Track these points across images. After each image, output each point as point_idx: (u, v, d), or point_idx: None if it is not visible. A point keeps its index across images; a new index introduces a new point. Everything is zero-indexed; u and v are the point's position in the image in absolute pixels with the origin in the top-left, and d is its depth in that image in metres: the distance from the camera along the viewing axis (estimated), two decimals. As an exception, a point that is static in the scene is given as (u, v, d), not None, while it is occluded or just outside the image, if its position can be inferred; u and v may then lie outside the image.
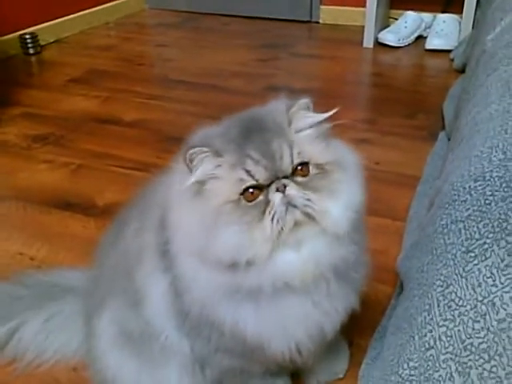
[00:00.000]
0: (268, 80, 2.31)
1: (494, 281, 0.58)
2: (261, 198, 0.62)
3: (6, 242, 1.32)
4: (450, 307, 0.61)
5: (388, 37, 2.70)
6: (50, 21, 2.88)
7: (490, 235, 0.62)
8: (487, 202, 0.66)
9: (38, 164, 1.70)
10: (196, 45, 2.88)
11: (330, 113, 0.68)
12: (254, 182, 0.62)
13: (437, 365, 0.59)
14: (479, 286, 0.59)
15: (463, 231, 0.67)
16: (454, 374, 0.57)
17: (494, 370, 0.53)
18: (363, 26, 2.72)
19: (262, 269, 0.63)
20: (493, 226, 0.62)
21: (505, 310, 0.55)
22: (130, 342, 0.80)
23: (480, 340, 0.56)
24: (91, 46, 2.87)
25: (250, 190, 0.62)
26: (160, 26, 3.29)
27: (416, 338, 0.65)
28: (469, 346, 0.57)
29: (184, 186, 0.64)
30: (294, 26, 3.15)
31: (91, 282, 0.90)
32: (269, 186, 0.63)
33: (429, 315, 0.64)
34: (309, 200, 0.62)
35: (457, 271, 0.63)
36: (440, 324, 0.61)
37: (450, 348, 0.58)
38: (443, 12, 2.73)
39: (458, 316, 0.59)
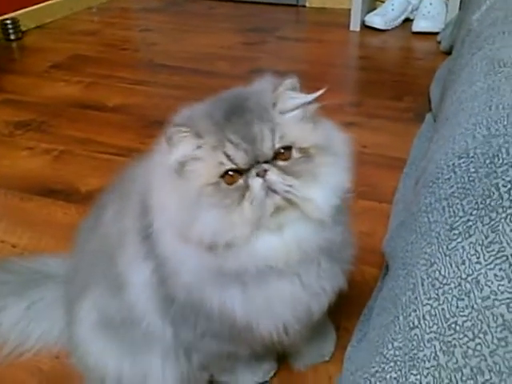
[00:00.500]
0: (254, 63, 2.29)
1: (478, 258, 0.57)
2: (240, 181, 0.61)
3: (-13, 230, 1.30)
4: (433, 286, 0.60)
5: (375, 20, 2.68)
6: (31, 6, 2.82)
7: (474, 212, 0.61)
8: (471, 178, 0.65)
9: (20, 151, 1.68)
10: (181, 29, 2.84)
11: (318, 93, 0.66)
12: (233, 166, 0.61)
13: (421, 344, 0.58)
14: (463, 263, 0.58)
15: (447, 209, 0.66)
16: (438, 353, 0.56)
17: (479, 348, 0.52)
18: (350, 9, 2.69)
19: (243, 251, 0.62)
20: (476, 203, 0.61)
21: (489, 287, 0.54)
22: (111, 329, 0.79)
23: (464, 318, 0.55)
24: (74, 31, 2.82)
25: (230, 173, 0.61)
26: (144, 10, 3.24)
27: (400, 317, 0.64)
28: (453, 325, 0.56)
29: (165, 165, 0.64)
30: (280, 10, 3.12)
31: (71, 268, 0.88)
32: (249, 170, 0.61)
33: (413, 294, 0.63)
34: (290, 186, 0.61)
35: (440, 249, 0.62)
36: (424, 303, 0.60)
37: (435, 327, 0.57)
38: (430, -6, 2.71)
39: (442, 294, 0.58)
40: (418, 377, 0.57)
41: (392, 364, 0.62)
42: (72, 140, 1.72)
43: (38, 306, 0.97)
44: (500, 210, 0.57)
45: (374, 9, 2.80)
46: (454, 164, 0.70)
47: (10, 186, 1.48)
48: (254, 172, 0.61)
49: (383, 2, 2.80)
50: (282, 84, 0.64)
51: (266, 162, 0.62)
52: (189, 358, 0.81)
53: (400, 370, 0.60)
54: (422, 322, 0.59)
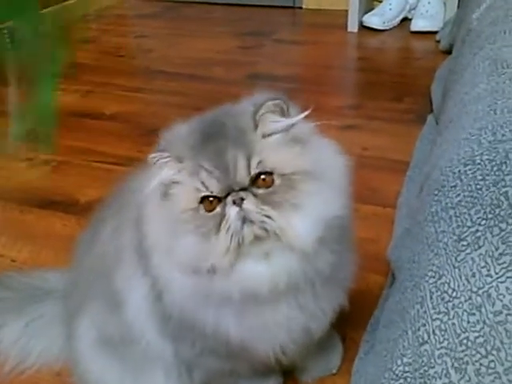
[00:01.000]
0: (251, 68, 2.26)
1: (488, 270, 0.55)
2: (218, 209, 0.60)
3: (-14, 245, 1.28)
4: (443, 299, 0.58)
5: (373, 20, 2.66)
6: (26, 14, 2.81)
7: (483, 222, 0.59)
8: (478, 186, 0.63)
9: (19, 162, 1.65)
10: (177, 34, 2.82)
11: (302, 115, 0.63)
12: (208, 193, 0.60)
13: (432, 361, 0.56)
14: (473, 276, 0.56)
15: (454, 218, 0.64)
16: (450, 370, 0.54)
17: (492, 365, 0.50)
18: (347, 10, 2.67)
19: (227, 278, 0.61)
20: (485, 212, 0.59)
21: (501, 301, 0.52)
22: (111, 346, 0.78)
23: (476, 334, 0.53)
24: (70, 38, 2.80)
25: (210, 199, 0.60)
26: (140, 16, 3.23)
27: (409, 332, 0.62)
28: (464, 341, 0.54)
29: (149, 188, 0.64)
30: (277, 12, 3.10)
31: (70, 284, 0.87)
32: (227, 197, 0.60)
33: (421, 308, 0.61)
34: (267, 216, 0.59)
35: (449, 261, 0.60)
36: (433, 317, 0.58)
37: (445, 343, 0.55)
38: (428, -7, 2.69)
39: (452, 308, 0.56)
40: (430, 395, 0.55)
41: (402, 381, 0.60)
42: (70, 150, 1.70)
43: (37, 323, 0.95)
44: (510, 221, 0.55)
45: (372, 9, 2.78)
46: (459, 171, 0.68)
47: (9, 198, 1.46)
48: (230, 199, 0.59)
49: (381, 1, 2.78)
50: (264, 106, 0.61)
51: (244, 189, 0.60)
52: (191, 375, 0.79)
53: (410, 388, 0.58)
54: (431, 337, 0.57)
